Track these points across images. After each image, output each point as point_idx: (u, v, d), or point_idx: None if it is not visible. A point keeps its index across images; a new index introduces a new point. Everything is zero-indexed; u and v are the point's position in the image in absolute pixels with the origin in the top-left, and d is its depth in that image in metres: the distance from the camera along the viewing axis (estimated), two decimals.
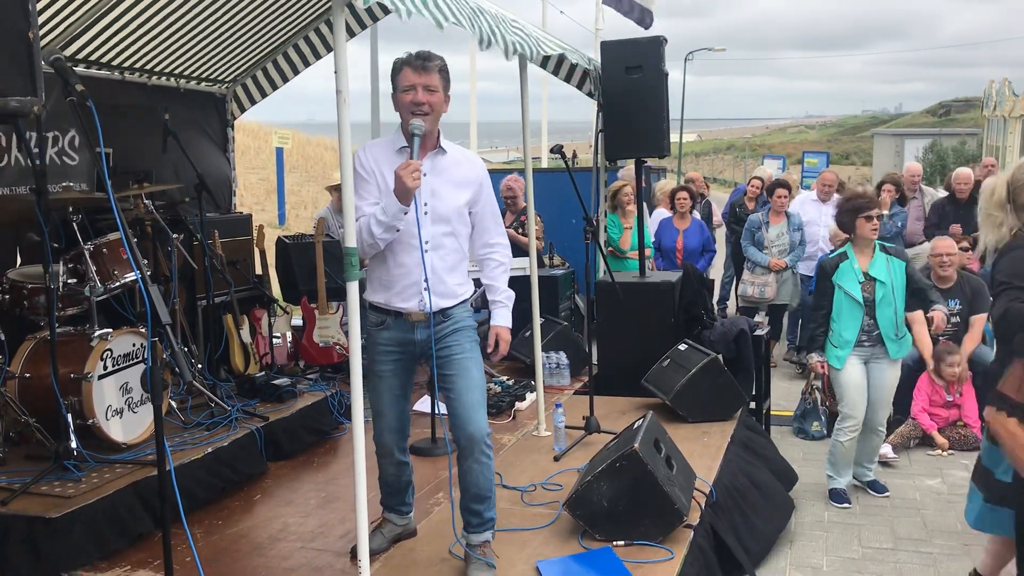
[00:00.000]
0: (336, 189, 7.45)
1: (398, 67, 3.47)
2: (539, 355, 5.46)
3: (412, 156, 3.33)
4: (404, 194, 3.29)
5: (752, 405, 6.13)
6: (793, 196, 10.01)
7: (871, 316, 5.13)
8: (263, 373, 5.75)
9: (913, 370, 6.49)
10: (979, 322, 6.38)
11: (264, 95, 7.34)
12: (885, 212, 8.49)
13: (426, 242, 3.47)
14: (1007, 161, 18.38)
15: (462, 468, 3.55)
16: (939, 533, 4.95)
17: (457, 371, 3.53)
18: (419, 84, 3.42)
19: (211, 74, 6.91)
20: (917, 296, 5.21)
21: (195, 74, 6.77)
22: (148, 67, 6.32)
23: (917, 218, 9.13)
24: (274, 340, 6.46)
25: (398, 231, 3.40)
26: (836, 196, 8.81)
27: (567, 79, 6.89)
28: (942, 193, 10.23)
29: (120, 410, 4.45)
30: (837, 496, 5.35)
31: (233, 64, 6.91)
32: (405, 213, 3.34)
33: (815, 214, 8.63)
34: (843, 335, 5.18)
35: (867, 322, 5.13)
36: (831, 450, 5.40)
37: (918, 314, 6.47)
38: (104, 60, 5.96)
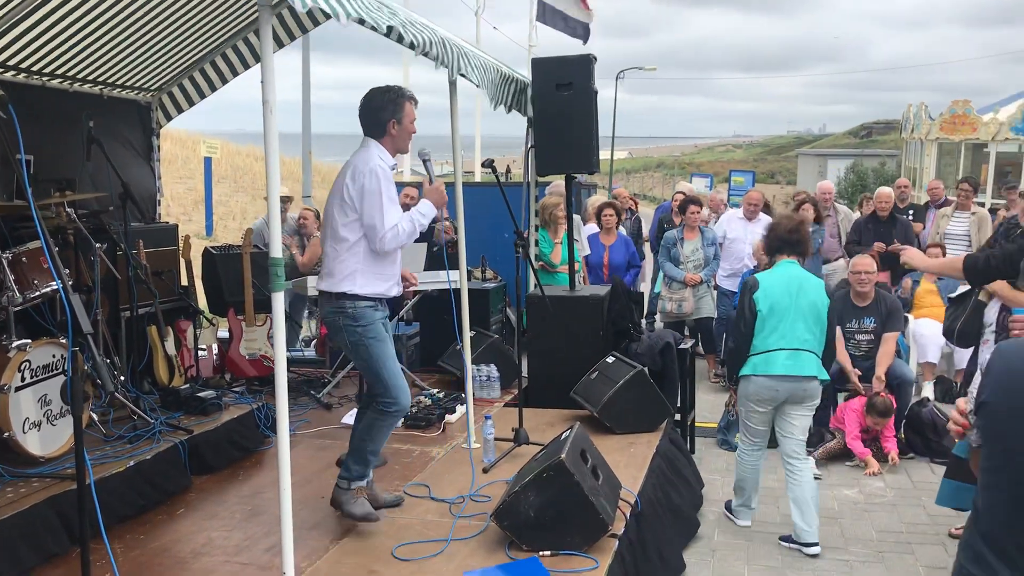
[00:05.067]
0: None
1: (403, 101, 4.09)
2: (469, 368, 5.49)
3: (431, 176, 4.35)
4: (442, 204, 4.27)
5: (677, 417, 6.25)
6: (716, 213, 10.27)
7: None
8: (188, 386, 5.65)
9: (831, 382, 6.68)
10: (891, 339, 6.59)
11: (191, 104, 7.24)
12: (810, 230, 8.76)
13: None
14: (923, 182, 19.06)
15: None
16: (855, 541, 5.11)
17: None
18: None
19: (135, 82, 6.79)
20: None
21: (119, 81, 6.65)
22: (70, 73, 6.19)
23: (832, 235, 9.42)
24: (199, 352, 6.36)
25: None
26: (762, 215, 9.08)
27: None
28: (858, 212, 10.57)
29: (38, 423, 4.34)
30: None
31: (158, 72, 6.81)
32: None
33: (741, 231, 8.84)
34: None
35: None
36: None
37: (836, 329, 6.68)
38: (23, 65, 5.82)
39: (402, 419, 4.37)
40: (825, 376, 5.00)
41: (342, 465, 4.20)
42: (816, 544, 4.91)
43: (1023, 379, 2.07)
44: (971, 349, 5.10)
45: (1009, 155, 19.68)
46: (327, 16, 3.53)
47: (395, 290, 4.23)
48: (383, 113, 4.07)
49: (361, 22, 3.63)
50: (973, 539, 2.12)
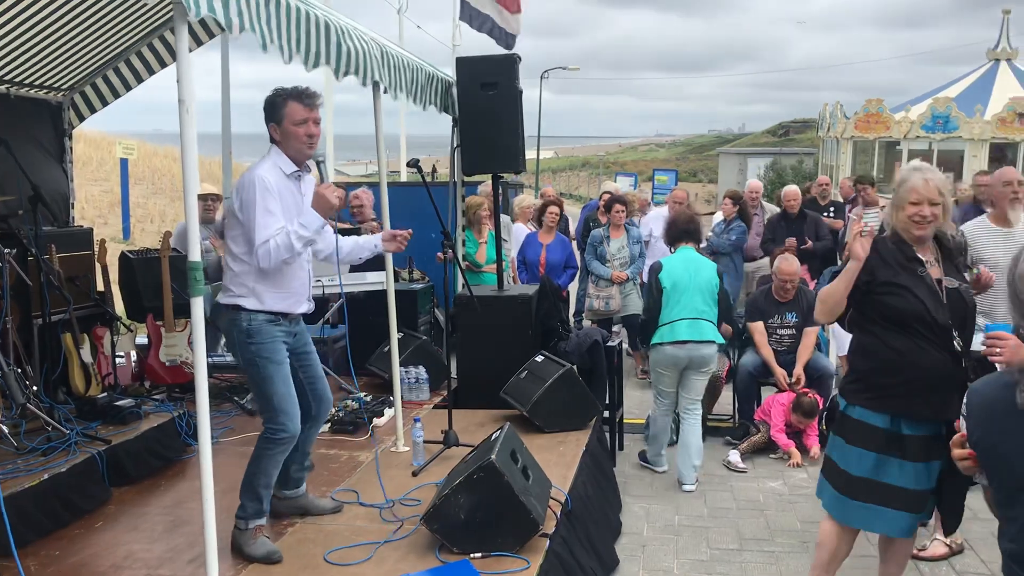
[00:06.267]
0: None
1: (283, 100, 3.80)
2: (397, 370, 5.44)
3: (324, 179, 3.91)
4: (328, 211, 3.77)
5: (606, 414, 6.29)
6: (643, 212, 10.41)
7: None
8: (105, 394, 5.47)
9: (754, 376, 6.81)
10: (812, 333, 6.74)
11: (105, 104, 6.99)
12: (710, 233, 8.96)
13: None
14: (839, 178, 19.59)
15: (308, 434, 4.17)
16: (780, 532, 5.21)
17: (315, 360, 4.15)
18: (310, 119, 3.82)
19: (45, 81, 6.54)
20: None
21: (27, 80, 6.39)
22: None
23: (757, 233, 9.59)
24: (117, 359, 6.17)
25: (313, 244, 3.85)
26: None
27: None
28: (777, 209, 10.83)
29: None
30: None
31: (70, 71, 6.57)
32: (324, 228, 3.81)
33: None
34: None
35: None
36: None
37: (758, 325, 6.83)
38: None
39: (289, 448, 3.97)
40: (721, 340, 6.00)
41: (239, 504, 3.91)
42: (693, 484, 5.89)
43: (999, 407, 2.17)
44: None
45: (920, 152, 20.39)
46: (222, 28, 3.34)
47: (303, 307, 3.98)
48: (265, 119, 3.86)
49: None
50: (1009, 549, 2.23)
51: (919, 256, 3.65)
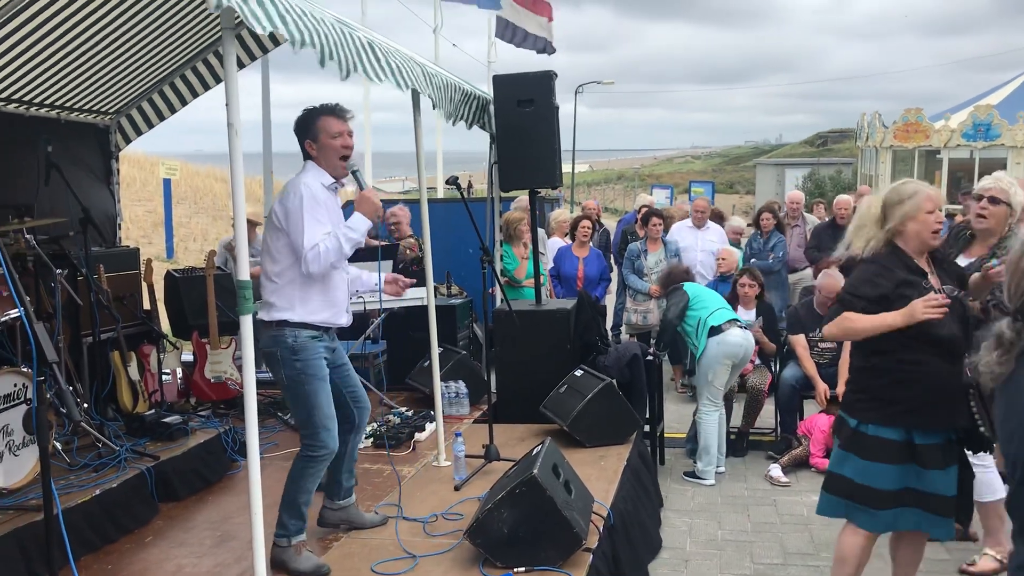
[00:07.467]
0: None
1: (316, 116, 3.92)
2: (438, 385, 5.48)
3: (362, 186, 4.04)
4: (373, 213, 3.95)
5: (646, 428, 6.28)
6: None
7: None
8: (152, 411, 5.57)
9: (796, 390, 6.75)
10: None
11: (150, 126, 7.17)
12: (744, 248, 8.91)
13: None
14: (879, 188, 19.39)
15: (353, 442, 4.26)
16: (825, 547, 5.15)
17: (351, 370, 4.21)
18: (345, 131, 3.94)
19: (94, 105, 6.72)
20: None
21: (76, 105, 6.57)
22: (26, 98, 6.11)
23: (799, 245, 9.51)
24: (164, 376, 6.29)
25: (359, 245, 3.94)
26: (711, 222, 9.19)
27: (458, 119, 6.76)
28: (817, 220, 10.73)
29: (0, 454, 4.25)
30: None
31: (117, 95, 6.74)
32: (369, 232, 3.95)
33: (691, 240, 8.94)
34: None
35: None
36: None
37: (800, 338, 6.77)
38: None
39: (327, 463, 4.02)
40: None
41: (277, 522, 3.92)
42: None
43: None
44: None
45: (961, 161, 20.13)
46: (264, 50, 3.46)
47: (343, 319, 4.03)
48: (300, 135, 3.95)
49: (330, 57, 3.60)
50: None
51: (922, 268, 3.67)
